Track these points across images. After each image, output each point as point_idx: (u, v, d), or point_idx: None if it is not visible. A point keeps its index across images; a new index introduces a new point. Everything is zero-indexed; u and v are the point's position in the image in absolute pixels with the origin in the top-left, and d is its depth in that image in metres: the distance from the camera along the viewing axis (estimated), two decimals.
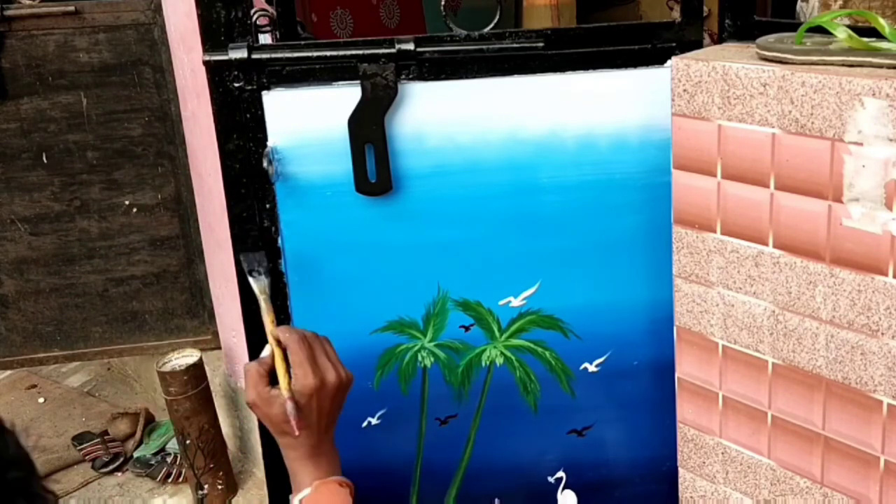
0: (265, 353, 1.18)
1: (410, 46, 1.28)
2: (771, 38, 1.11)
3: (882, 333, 1.03)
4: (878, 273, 1.02)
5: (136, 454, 2.73)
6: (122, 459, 2.73)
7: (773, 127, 1.07)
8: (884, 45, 1.03)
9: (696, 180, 1.17)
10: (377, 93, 1.29)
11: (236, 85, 1.30)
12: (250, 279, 1.29)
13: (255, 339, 1.40)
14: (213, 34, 1.29)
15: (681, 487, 1.35)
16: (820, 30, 1.10)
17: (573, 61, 1.33)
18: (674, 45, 1.32)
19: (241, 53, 1.27)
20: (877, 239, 1.01)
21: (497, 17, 1.34)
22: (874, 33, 1.06)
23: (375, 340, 1.42)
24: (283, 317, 1.39)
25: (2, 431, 0.74)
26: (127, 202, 2.44)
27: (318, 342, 1.17)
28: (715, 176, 1.15)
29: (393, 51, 1.28)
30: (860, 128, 0.99)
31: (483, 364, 1.45)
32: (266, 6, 1.50)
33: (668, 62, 1.21)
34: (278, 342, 1.16)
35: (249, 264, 1.32)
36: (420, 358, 1.44)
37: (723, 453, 1.27)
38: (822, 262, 1.07)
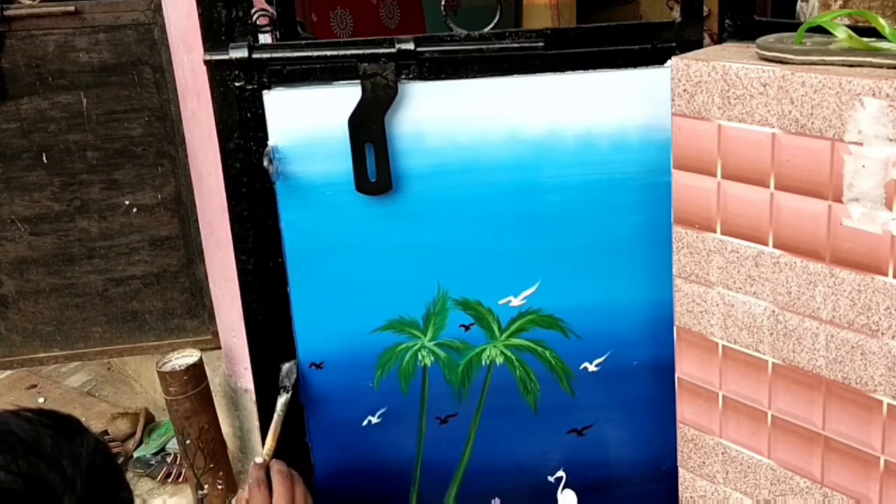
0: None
1: (410, 46, 1.28)
2: (771, 38, 1.11)
3: (882, 333, 1.03)
4: (878, 273, 1.02)
5: (136, 454, 2.73)
6: (122, 459, 2.72)
7: (773, 127, 1.07)
8: (884, 45, 1.03)
9: (696, 180, 1.17)
10: (377, 92, 1.29)
11: (237, 84, 1.30)
12: (280, 396, 1.37)
13: (256, 339, 1.40)
14: (213, 34, 1.29)
15: (681, 487, 1.35)
16: (820, 30, 1.10)
17: (573, 61, 1.33)
18: (674, 45, 1.32)
19: (241, 53, 1.27)
20: (877, 239, 1.01)
21: (497, 17, 1.35)
22: (874, 33, 1.06)
23: (375, 339, 1.42)
24: (283, 317, 1.40)
25: (107, 451, 0.77)
26: (127, 202, 2.44)
27: (299, 487, 1.25)
28: (715, 176, 1.15)
29: (393, 51, 1.28)
30: (860, 128, 0.99)
31: (483, 363, 1.45)
32: (266, 6, 1.50)
33: (668, 62, 1.21)
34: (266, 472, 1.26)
35: (287, 377, 1.39)
36: (420, 357, 1.44)
37: (723, 453, 1.27)
38: (822, 262, 1.07)
